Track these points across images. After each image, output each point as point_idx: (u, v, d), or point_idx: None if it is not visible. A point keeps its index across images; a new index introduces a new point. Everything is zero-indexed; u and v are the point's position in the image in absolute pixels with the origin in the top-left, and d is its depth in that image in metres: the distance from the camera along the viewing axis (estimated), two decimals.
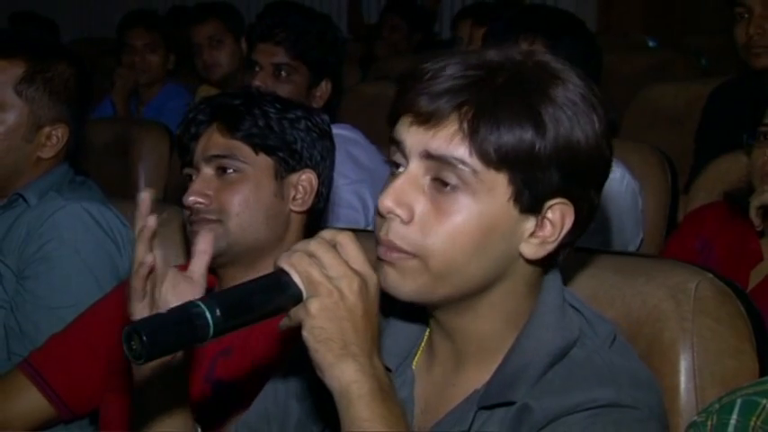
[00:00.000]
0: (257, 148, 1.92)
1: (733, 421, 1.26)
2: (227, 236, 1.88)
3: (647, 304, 1.55)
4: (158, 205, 2.47)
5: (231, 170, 1.91)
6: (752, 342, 1.54)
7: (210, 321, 1.22)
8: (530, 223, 1.30)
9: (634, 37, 5.90)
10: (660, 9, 6.55)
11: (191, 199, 1.91)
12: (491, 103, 1.27)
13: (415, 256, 1.29)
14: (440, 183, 1.29)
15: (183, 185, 1.98)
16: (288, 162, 1.93)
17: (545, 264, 1.35)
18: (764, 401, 1.26)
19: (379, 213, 1.31)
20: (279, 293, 1.25)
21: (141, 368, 1.53)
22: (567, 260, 1.38)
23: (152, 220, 1.51)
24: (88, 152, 3.00)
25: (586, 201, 1.31)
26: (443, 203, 1.28)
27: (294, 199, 1.94)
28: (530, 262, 1.33)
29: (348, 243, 1.27)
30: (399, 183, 1.30)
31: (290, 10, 3.34)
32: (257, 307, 1.25)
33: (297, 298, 1.25)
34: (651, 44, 5.63)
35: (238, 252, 1.90)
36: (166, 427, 1.55)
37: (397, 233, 1.29)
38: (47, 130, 2.31)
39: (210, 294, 1.28)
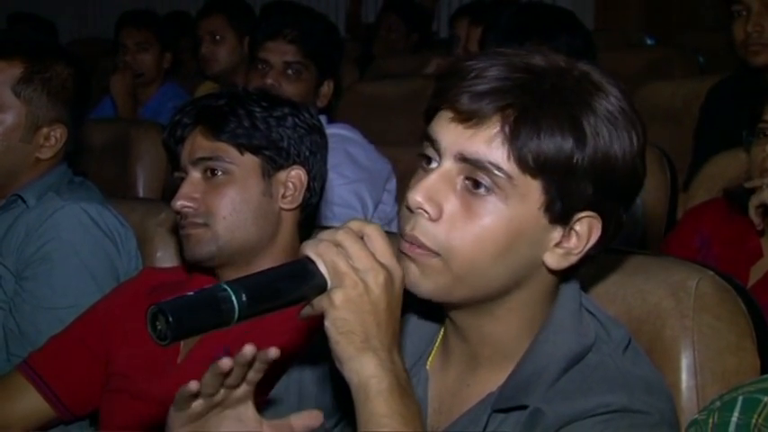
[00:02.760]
0: (242, 148, 1.91)
1: (734, 419, 1.26)
2: (216, 239, 1.88)
3: (647, 302, 1.55)
4: (155, 205, 2.49)
5: (219, 172, 1.90)
6: (753, 339, 1.54)
7: (236, 306, 1.21)
8: (556, 233, 1.30)
9: (632, 35, 5.90)
10: (658, 7, 6.54)
11: (178, 203, 1.91)
12: (535, 108, 1.25)
13: (437, 254, 1.28)
14: (473, 184, 1.28)
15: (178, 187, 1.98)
16: (275, 160, 1.93)
17: (566, 274, 1.35)
18: (766, 399, 1.25)
19: (407, 207, 1.30)
20: (304, 281, 1.24)
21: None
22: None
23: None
24: (86, 153, 2.99)
25: (615, 216, 1.31)
26: (474, 205, 1.28)
27: (284, 197, 1.94)
28: (551, 272, 1.32)
29: (376, 235, 1.26)
30: (432, 179, 1.29)
31: (295, 9, 3.34)
32: (283, 294, 1.24)
33: (321, 287, 1.25)
34: (649, 42, 5.63)
35: (230, 254, 1.90)
36: None
37: (422, 229, 1.29)
38: (45, 130, 2.31)
39: (236, 278, 1.26)
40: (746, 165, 2.43)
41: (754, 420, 1.24)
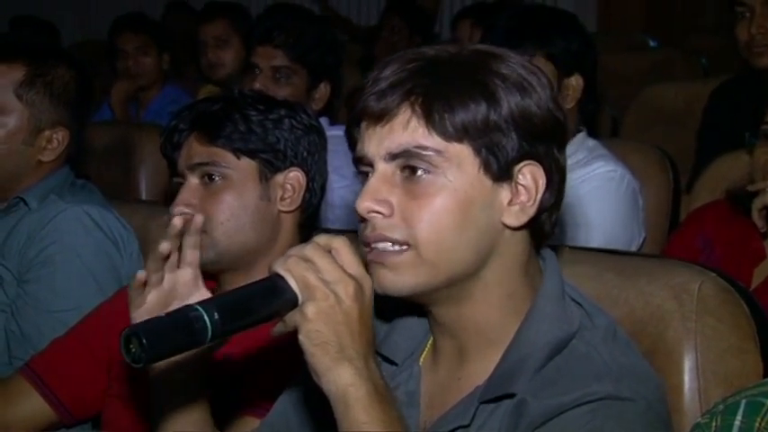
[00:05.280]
0: (238, 152, 1.90)
1: (737, 422, 1.26)
2: (215, 245, 1.88)
3: (650, 304, 1.55)
4: (158, 208, 2.49)
5: (216, 177, 1.90)
6: (755, 341, 1.53)
7: (209, 325, 1.22)
8: (505, 192, 1.33)
9: (634, 37, 5.90)
10: (660, 9, 6.54)
11: (176, 210, 1.90)
12: (438, 84, 1.31)
13: (406, 244, 1.31)
14: (409, 171, 1.32)
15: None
16: (272, 163, 1.92)
17: (532, 235, 1.37)
18: None
19: (360, 219, 1.34)
20: (275, 298, 1.26)
21: (155, 368, 1.55)
22: (565, 257, 1.40)
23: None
24: (89, 155, 3.00)
25: (552, 159, 1.35)
26: (418, 190, 1.31)
27: (282, 199, 1.93)
28: (516, 231, 1.35)
29: (343, 248, 1.28)
30: (372, 183, 1.33)
31: (288, 13, 3.34)
32: (254, 311, 1.26)
33: (293, 302, 1.26)
34: (652, 44, 5.63)
35: (230, 259, 1.90)
36: (185, 427, 1.57)
37: (382, 226, 1.32)
38: (47, 133, 2.31)
39: (208, 299, 1.28)
40: (749, 167, 2.43)
41: (756, 424, 1.24)
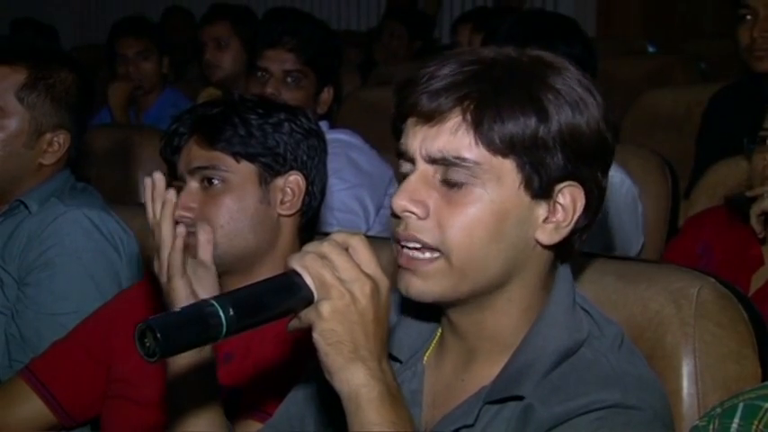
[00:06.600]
0: (238, 156, 1.91)
1: (735, 425, 1.26)
2: (215, 249, 1.88)
3: (648, 309, 1.55)
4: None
5: (216, 181, 1.90)
6: (754, 346, 1.54)
7: (224, 321, 1.22)
8: (542, 209, 1.33)
9: (633, 42, 5.91)
10: (659, 14, 6.56)
11: (177, 214, 1.91)
12: (492, 93, 1.29)
13: (437, 250, 1.31)
14: (450, 178, 1.31)
15: None
16: (272, 167, 1.92)
17: (560, 252, 1.37)
18: (766, 405, 1.26)
19: (393, 215, 1.33)
20: (291, 294, 1.25)
21: (174, 368, 1.57)
22: (576, 258, 1.39)
23: (171, 194, 1.60)
24: (89, 159, 3.00)
25: (595, 182, 1.34)
26: (455, 197, 1.31)
27: (282, 203, 1.93)
28: (546, 249, 1.35)
29: (360, 246, 1.27)
30: (411, 182, 1.32)
31: (295, 16, 3.35)
32: (270, 307, 1.25)
33: (308, 300, 1.25)
34: (650, 49, 5.64)
35: (230, 262, 1.90)
36: (200, 427, 1.58)
37: (415, 227, 1.31)
38: (48, 136, 2.32)
39: (223, 294, 1.28)
40: (748, 173, 2.43)
41: (754, 427, 1.24)
